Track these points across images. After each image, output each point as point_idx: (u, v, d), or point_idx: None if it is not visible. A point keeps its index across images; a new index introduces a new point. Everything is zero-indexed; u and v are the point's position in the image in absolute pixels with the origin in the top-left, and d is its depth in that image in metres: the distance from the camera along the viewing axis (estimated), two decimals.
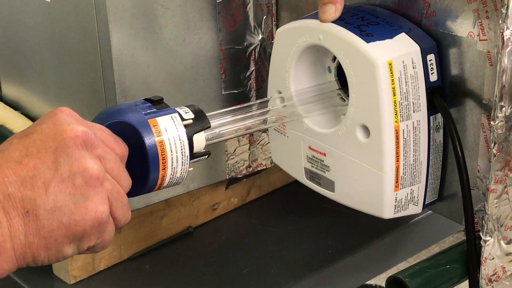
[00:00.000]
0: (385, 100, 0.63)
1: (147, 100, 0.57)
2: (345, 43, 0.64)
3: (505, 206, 0.64)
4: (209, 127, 0.59)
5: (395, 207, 0.67)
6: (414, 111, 0.64)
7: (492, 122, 0.60)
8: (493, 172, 0.62)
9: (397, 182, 0.65)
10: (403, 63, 0.63)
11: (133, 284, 0.83)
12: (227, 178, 0.86)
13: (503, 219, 0.64)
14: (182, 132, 0.56)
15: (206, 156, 0.60)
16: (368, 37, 0.63)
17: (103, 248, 0.53)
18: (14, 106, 0.93)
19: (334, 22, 0.66)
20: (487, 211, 0.63)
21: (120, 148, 0.53)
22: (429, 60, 0.64)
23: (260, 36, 0.82)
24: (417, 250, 0.94)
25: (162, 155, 0.55)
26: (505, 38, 0.58)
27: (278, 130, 0.76)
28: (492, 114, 0.60)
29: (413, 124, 0.64)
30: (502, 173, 0.62)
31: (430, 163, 0.67)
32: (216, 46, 0.79)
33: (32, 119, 0.91)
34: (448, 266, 0.66)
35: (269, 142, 0.85)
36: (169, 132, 0.55)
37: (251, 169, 0.87)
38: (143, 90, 0.76)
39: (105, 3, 0.70)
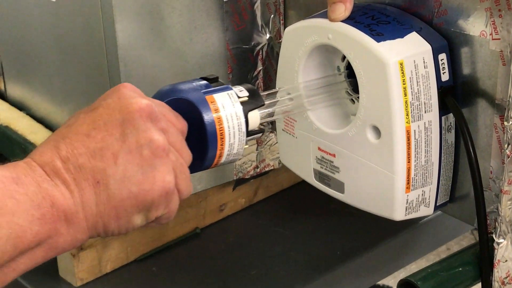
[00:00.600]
0: (396, 100, 0.62)
1: (203, 78, 0.58)
2: (355, 42, 0.63)
3: None
4: (263, 105, 0.60)
5: (406, 208, 0.66)
6: (425, 112, 0.63)
7: (505, 123, 0.59)
8: (507, 174, 0.61)
9: (408, 183, 0.64)
10: (415, 62, 0.62)
11: (139, 286, 0.82)
12: (235, 179, 0.85)
13: None
14: (239, 109, 0.57)
15: (261, 133, 0.61)
16: (379, 37, 0.62)
17: (168, 219, 0.53)
18: (19, 106, 0.93)
19: (343, 21, 0.65)
20: (500, 213, 0.62)
21: (180, 124, 0.54)
22: (441, 60, 0.63)
23: (268, 35, 0.81)
24: (427, 251, 0.93)
25: (220, 130, 0.56)
26: None
27: (287, 131, 0.75)
28: (505, 115, 0.59)
29: (425, 124, 0.63)
30: None
31: (441, 164, 0.66)
32: (223, 45, 0.78)
33: (37, 120, 0.90)
34: (460, 269, 0.65)
35: (276, 143, 0.84)
36: (226, 109, 0.56)
37: (258, 169, 0.87)
38: (151, 91, 0.75)
39: (111, 3, 0.69)
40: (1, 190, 0.45)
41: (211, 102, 0.56)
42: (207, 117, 0.55)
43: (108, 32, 0.71)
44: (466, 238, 1.62)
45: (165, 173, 0.50)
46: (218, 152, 0.56)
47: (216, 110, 0.56)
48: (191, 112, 0.55)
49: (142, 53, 0.73)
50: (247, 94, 0.59)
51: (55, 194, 0.47)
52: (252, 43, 0.81)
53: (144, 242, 0.85)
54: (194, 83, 0.57)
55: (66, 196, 0.47)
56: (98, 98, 0.52)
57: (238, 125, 0.57)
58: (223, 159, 0.58)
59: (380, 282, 1.26)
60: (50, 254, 0.48)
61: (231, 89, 0.58)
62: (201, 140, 0.56)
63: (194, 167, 0.56)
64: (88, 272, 0.80)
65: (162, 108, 0.53)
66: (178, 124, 0.54)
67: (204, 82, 0.58)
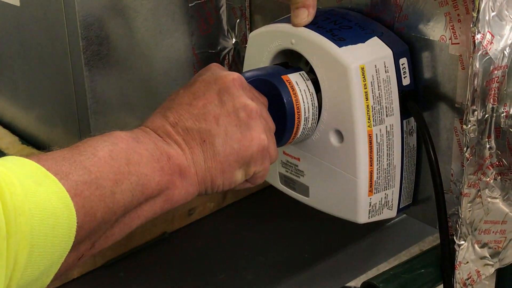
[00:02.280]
0: (358, 104, 0.62)
1: (276, 64, 0.67)
2: (318, 47, 0.64)
3: (478, 210, 0.64)
4: None
5: (369, 211, 0.67)
6: (387, 115, 0.64)
7: (464, 126, 0.60)
8: (466, 176, 0.61)
9: (371, 186, 0.65)
10: (376, 67, 0.62)
11: None
12: None
13: (476, 223, 0.64)
14: (310, 86, 0.64)
15: None
16: (341, 41, 0.63)
17: (262, 178, 0.60)
18: None
19: (306, 26, 0.65)
20: (460, 215, 0.63)
21: (262, 98, 0.61)
22: (402, 64, 0.64)
23: (234, 40, 0.82)
24: (395, 252, 0.94)
25: (296, 105, 0.63)
26: (476, 41, 0.57)
27: None
28: (464, 118, 0.60)
29: (386, 128, 0.64)
30: (475, 177, 0.62)
31: (404, 167, 0.66)
32: (189, 50, 0.79)
33: (4, 125, 0.89)
34: (422, 271, 0.66)
35: None
36: (300, 86, 0.63)
37: None
38: (116, 95, 0.75)
39: (74, 7, 0.69)
40: (126, 146, 0.51)
41: (287, 81, 0.63)
42: (284, 93, 0.62)
43: (72, 37, 0.71)
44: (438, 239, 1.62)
45: (260, 132, 0.57)
46: (295, 127, 0.63)
47: (292, 88, 0.63)
48: (269, 90, 0.62)
49: (107, 59, 0.73)
50: (314, 76, 0.65)
51: (170, 151, 0.53)
52: (218, 48, 0.81)
53: (111, 247, 0.83)
54: (269, 67, 0.66)
55: (179, 153, 0.54)
56: (193, 76, 0.60)
57: (311, 100, 0.63)
58: (299, 133, 0.64)
59: (352, 284, 1.27)
60: (166, 205, 0.54)
61: (302, 69, 0.65)
62: (279, 116, 0.62)
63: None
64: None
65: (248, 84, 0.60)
66: (261, 98, 0.61)
67: (278, 66, 0.66)
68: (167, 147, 0.54)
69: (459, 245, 0.63)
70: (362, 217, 0.67)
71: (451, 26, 0.60)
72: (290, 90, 0.63)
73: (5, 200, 0.40)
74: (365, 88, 0.62)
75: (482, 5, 0.57)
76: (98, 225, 0.48)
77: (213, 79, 0.58)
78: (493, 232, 0.65)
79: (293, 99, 0.62)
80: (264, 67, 0.66)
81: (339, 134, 0.65)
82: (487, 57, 0.58)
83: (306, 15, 0.65)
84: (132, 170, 0.50)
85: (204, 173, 0.55)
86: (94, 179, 0.47)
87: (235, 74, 0.58)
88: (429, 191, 0.68)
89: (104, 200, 0.47)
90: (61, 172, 0.46)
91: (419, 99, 0.65)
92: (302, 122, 0.63)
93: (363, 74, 0.62)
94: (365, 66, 0.62)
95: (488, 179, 0.63)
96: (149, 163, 0.51)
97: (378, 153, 0.64)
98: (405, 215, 0.73)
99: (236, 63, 0.83)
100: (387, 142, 0.64)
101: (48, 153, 0.48)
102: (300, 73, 0.64)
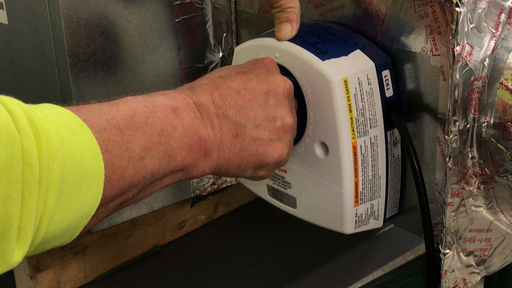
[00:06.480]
0: (342, 117, 0.63)
1: None
2: (301, 61, 0.64)
3: (463, 219, 0.64)
4: None
5: (355, 222, 0.67)
6: (371, 127, 0.64)
7: (446, 136, 0.61)
8: (449, 186, 0.62)
9: (356, 197, 0.66)
10: (359, 79, 0.63)
11: None
12: (192, 196, 0.86)
13: (461, 231, 0.65)
14: None
15: None
16: (324, 55, 0.64)
17: (262, 179, 0.63)
18: None
19: (290, 40, 0.66)
20: (445, 224, 0.63)
21: (296, 103, 0.64)
22: (384, 76, 0.65)
23: (221, 54, 0.83)
24: (384, 262, 0.95)
25: None
26: (455, 53, 0.58)
27: None
28: (446, 129, 0.61)
29: (370, 139, 0.65)
30: (459, 186, 0.63)
31: (389, 177, 0.67)
32: (177, 64, 0.79)
33: None
34: (409, 279, 0.66)
35: None
36: None
37: (216, 186, 0.87)
38: None
39: (61, 26, 0.70)
40: (164, 117, 0.52)
41: None
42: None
43: (60, 54, 0.72)
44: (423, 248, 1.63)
45: (285, 146, 0.60)
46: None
47: None
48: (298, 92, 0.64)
49: (94, 74, 0.73)
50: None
51: (202, 131, 0.55)
52: (205, 62, 0.82)
53: (103, 261, 0.85)
54: None
55: (210, 136, 0.56)
56: (247, 62, 0.62)
57: None
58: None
59: None
60: (183, 178, 0.56)
61: None
62: (299, 113, 0.64)
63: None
64: None
65: None
66: (295, 104, 0.64)
67: None
68: (201, 127, 0.55)
69: (445, 254, 0.64)
70: (349, 228, 0.67)
71: (431, 38, 0.61)
72: None
73: (41, 146, 0.41)
74: (348, 101, 0.63)
75: (461, 18, 0.57)
76: (128, 186, 0.48)
77: (266, 78, 0.60)
78: (478, 240, 0.66)
79: None
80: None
81: (324, 146, 0.65)
82: (467, 68, 0.59)
83: (289, 29, 0.66)
84: (162, 140, 0.51)
85: (223, 162, 0.57)
86: (125, 142, 0.48)
87: (288, 82, 0.61)
88: (414, 201, 0.68)
89: (133, 162, 0.48)
90: (97, 125, 0.47)
91: (402, 110, 0.66)
92: None
93: (346, 87, 0.63)
94: (348, 78, 0.63)
95: (471, 188, 0.64)
96: (180, 139, 0.53)
97: (363, 164, 0.65)
98: (393, 225, 0.74)
99: None
100: (371, 153, 0.65)
101: (87, 105, 0.49)
102: None
